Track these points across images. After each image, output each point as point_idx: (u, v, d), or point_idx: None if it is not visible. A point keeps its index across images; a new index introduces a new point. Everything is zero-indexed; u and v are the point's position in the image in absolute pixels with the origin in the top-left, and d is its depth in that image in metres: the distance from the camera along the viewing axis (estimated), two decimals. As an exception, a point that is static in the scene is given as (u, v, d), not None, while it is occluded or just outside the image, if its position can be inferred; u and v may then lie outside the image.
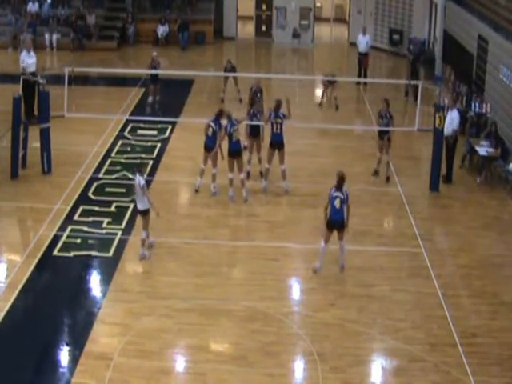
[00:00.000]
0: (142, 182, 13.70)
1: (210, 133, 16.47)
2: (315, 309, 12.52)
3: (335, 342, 11.60)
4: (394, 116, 17.83)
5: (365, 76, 26.31)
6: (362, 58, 26.66)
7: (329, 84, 23.51)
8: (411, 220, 15.78)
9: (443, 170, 17.55)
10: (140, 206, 13.88)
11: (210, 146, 16.52)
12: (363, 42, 26.76)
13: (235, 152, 16.24)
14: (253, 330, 11.86)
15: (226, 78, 23.28)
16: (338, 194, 13.22)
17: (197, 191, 16.78)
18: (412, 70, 25.12)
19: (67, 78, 18.06)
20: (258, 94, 19.35)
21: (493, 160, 17.86)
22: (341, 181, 13.26)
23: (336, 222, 13.33)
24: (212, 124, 16.42)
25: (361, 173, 17.93)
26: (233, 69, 22.98)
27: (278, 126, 16.63)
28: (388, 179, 17.72)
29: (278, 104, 16.78)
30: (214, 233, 15.11)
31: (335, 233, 13.45)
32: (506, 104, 19.25)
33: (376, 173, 17.94)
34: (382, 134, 17.61)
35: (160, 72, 22.17)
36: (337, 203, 13.19)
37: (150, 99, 22.43)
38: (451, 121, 17.57)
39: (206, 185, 16.79)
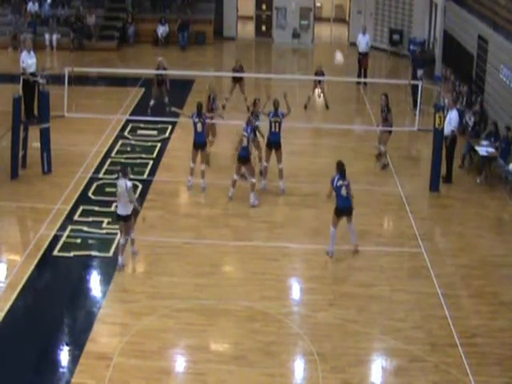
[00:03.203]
0: (129, 184, 13.21)
1: (199, 129, 16.50)
2: (315, 309, 12.53)
3: (335, 341, 11.60)
4: (395, 116, 17.90)
5: (365, 76, 26.29)
6: (362, 58, 26.65)
7: (318, 84, 23.35)
8: (411, 220, 15.78)
9: (443, 170, 17.56)
10: (122, 212, 13.42)
11: (200, 142, 16.55)
12: (363, 41, 26.74)
13: (243, 158, 16.05)
14: (253, 330, 11.87)
15: (234, 84, 22.95)
16: (342, 182, 13.75)
17: (190, 188, 16.89)
18: (413, 72, 25.03)
19: (67, 78, 18.06)
20: (216, 102, 18.97)
21: (493, 160, 17.87)
22: (343, 169, 13.83)
23: (345, 209, 13.92)
24: (196, 119, 16.48)
25: (361, 173, 17.92)
26: (241, 69, 22.86)
27: (277, 125, 16.63)
28: (384, 167, 18.30)
29: (276, 103, 16.82)
30: (214, 233, 15.11)
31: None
32: (506, 104, 19.25)
33: (384, 166, 18.52)
34: (384, 124, 18.32)
35: (163, 72, 22.09)
36: (343, 191, 13.75)
37: (152, 102, 22.31)
38: (450, 121, 17.60)
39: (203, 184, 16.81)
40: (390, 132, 18.33)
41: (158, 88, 22.22)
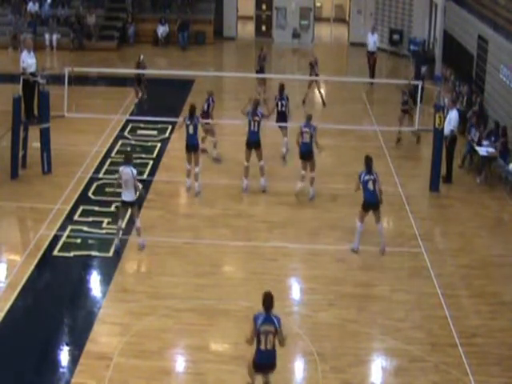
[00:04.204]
0: (135, 171, 13.87)
1: (190, 131, 16.47)
2: (315, 309, 12.53)
3: (335, 341, 11.60)
4: (394, 115, 17.96)
5: (372, 75, 26.46)
6: (370, 57, 26.82)
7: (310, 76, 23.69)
8: (411, 220, 15.78)
9: (443, 171, 17.54)
10: (129, 198, 13.94)
11: (192, 144, 16.52)
12: (371, 40, 26.93)
13: (307, 153, 16.32)
14: (253, 330, 11.85)
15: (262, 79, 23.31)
16: (369, 176, 13.90)
17: (188, 190, 16.82)
18: (417, 69, 25.26)
19: (67, 78, 18.06)
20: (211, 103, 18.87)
21: (493, 160, 17.86)
22: (370, 164, 13.95)
23: (372, 203, 14.00)
24: (188, 122, 16.47)
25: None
26: (265, 58, 23.53)
27: (256, 124, 16.64)
28: (418, 140, 20.09)
29: (256, 102, 16.93)
30: (214, 233, 15.10)
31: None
32: (506, 104, 19.25)
33: (399, 140, 20.06)
34: (402, 108, 19.86)
35: (144, 72, 22.25)
36: (370, 185, 13.87)
37: (136, 100, 22.52)
38: (449, 120, 17.59)
39: (203, 184, 16.78)
40: (410, 113, 19.85)
41: (137, 86, 22.34)
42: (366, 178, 13.92)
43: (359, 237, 14.21)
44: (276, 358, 9.71)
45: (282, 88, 18.71)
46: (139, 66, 22.60)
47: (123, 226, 14.40)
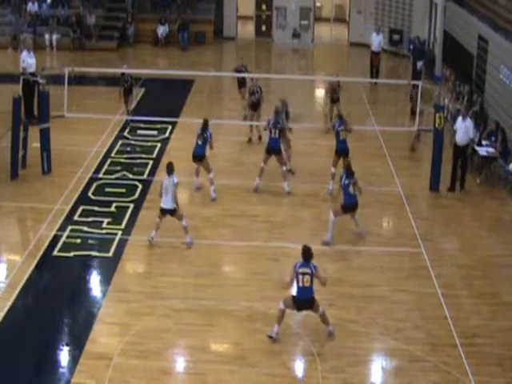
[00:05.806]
0: (176, 180, 14.10)
1: (199, 141, 16.47)
2: (315, 309, 12.51)
3: (335, 341, 11.60)
4: (394, 115, 17.94)
5: (377, 75, 26.45)
6: (374, 57, 26.82)
7: (332, 102, 21.54)
8: (411, 220, 15.78)
9: (446, 175, 17.44)
10: (167, 205, 14.11)
11: (197, 154, 16.48)
12: (376, 40, 26.95)
13: (345, 151, 16.77)
14: (253, 329, 11.85)
15: (239, 89, 22.37)
16: (349, 180, 14.39)
17: (199, 189, 16.83)
18: (413, 64, 25.38)
19: (67, 78, 18.06)
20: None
21: (493, 160, 17.85)
22: (348, 168, 14.52)
23: (351, 205, 14.53)
24: (199, 132, 16.51)
25: (361, 173, 17.86)
26: (245, 70, 22.16)
27: (276, 131, 16.68)
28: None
29: (277, 110, 17.01)
30: (214, 233, 15.10)
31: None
32: (506, 104, 19.25)
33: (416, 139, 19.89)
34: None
35: (131, 71, 22.07)
36: (350, 189, 14.36)
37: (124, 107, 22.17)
38: (466, 129, 17.15)
39: (205, 185, 16.78)
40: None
41: (124, 96, 21.44)
42: (347, 181, 14.42)
43: (332, 230, 14.49)
44: (313, 295, 11.43)
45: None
46: (123, 76, 21.71)
47: (159, 221, 14.40)
